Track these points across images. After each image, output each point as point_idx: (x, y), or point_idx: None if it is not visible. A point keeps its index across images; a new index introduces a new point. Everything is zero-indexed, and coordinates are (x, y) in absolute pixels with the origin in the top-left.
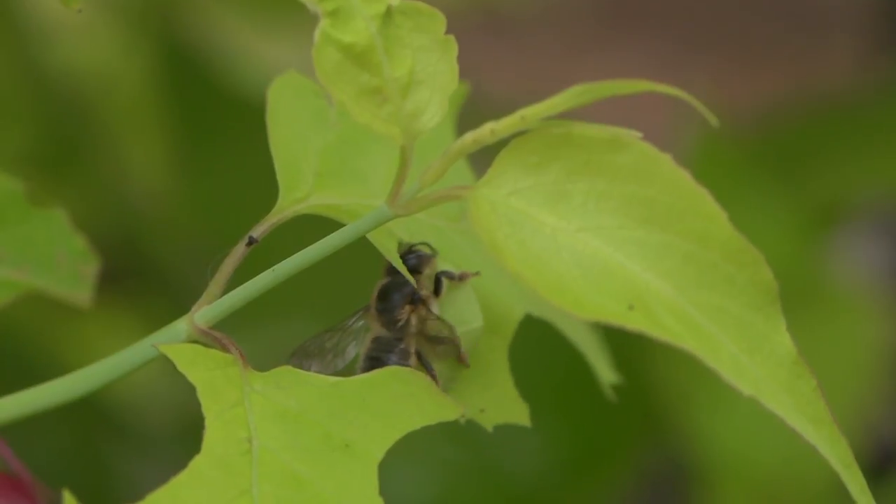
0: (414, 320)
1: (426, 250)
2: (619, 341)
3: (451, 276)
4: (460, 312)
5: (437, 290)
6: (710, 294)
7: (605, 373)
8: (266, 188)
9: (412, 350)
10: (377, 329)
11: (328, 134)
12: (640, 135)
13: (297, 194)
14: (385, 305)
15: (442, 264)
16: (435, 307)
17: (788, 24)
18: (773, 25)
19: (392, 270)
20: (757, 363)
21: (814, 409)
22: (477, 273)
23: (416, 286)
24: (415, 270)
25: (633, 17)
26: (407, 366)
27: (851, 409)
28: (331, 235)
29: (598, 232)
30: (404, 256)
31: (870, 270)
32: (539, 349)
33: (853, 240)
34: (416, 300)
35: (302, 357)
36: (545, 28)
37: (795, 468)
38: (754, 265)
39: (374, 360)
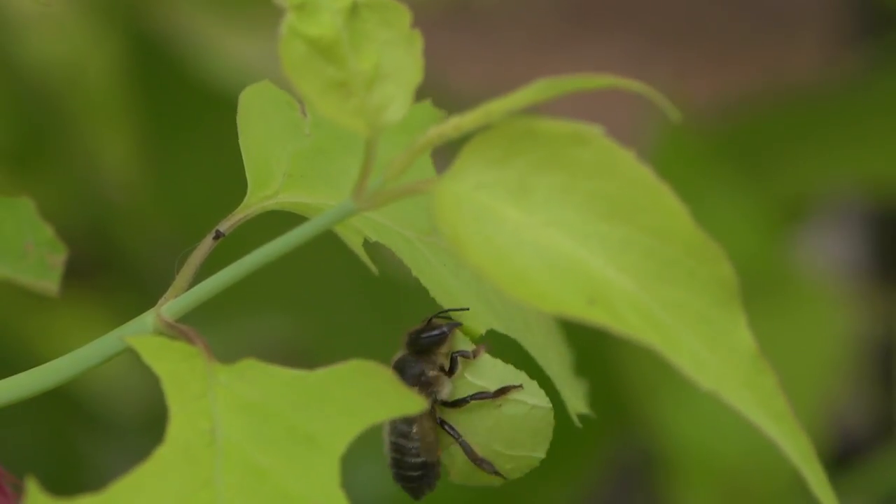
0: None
1: (444, 322)
2: (585, 334)
3: (465, 356)
4: (522, 439)
5: (451, 370)
6: (672, 289)
7: (574, 402)
8: (236, 182)
9: (424, 432)
10: None
11: (301, 142)
12: (602, 130)
13: (266, 192)
14: None
15: (461, 340)
16: (446, 386)
17: (755, 19)
18: (740, 21)
19: (408, 343)
20: (717, 358)
21: (774, 405)
22: (490, 346)
23: (423, 367)
24: (428, 350)
25: (601, 13)
26: (418, 459)
27: (817, 400)
28: (296, 229)
29: (561, 226)
30: (418, 335)
31: (835, 263)
32: (504, 341)
33: (818, 232)
34: (423, 382)
35: None
36: (512, 23)
37: (761, 459)
38: (715, 260)
39: (394, 447)
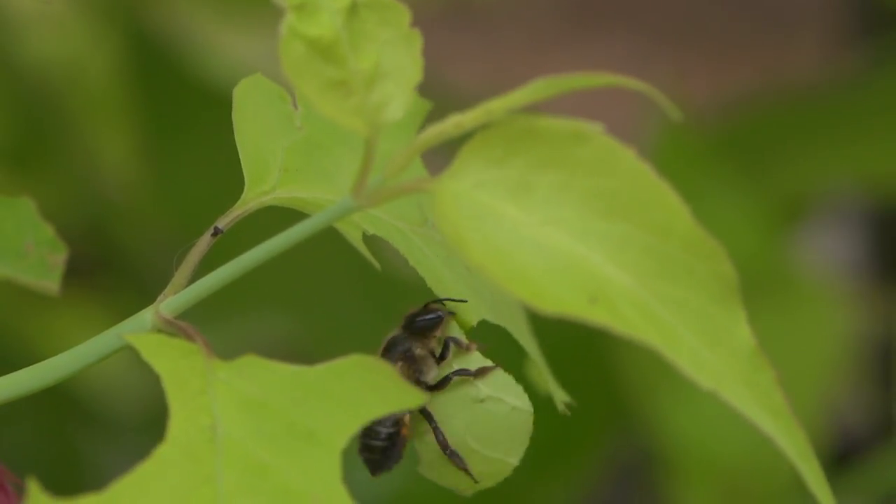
0: (404, 376)
1: (441, 309)
2: (585, 332)
3: (458, 343)
4: (498, 439)
5: (442, 355)
6: (671, 286)
7: (559, 393)
8: (235, 180)
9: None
10: None
11: (294, 135)
12: (602, 128)
13: (263, 187)
14: (385, 358)
15: (454, 329)
16: (432, 370)
17: (755, 19)
18: (740, 21)
19: (404, 324)
20: (717, 356)
21: (772, 402)
22: (484, 345)
23: (412, 345)
24: (422, 333)
25: (601, 12)
26: (388, 429)
27: (817, 399)
28: (295, 226)
29: (560, 224)
30: (416, 317)
31: (834, 261)
32: (503, 339)
33: (818, 231)
34: (408, 357)
35: None
36: (512, 22)
37: (761, 459)
38: (715, 257)
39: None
